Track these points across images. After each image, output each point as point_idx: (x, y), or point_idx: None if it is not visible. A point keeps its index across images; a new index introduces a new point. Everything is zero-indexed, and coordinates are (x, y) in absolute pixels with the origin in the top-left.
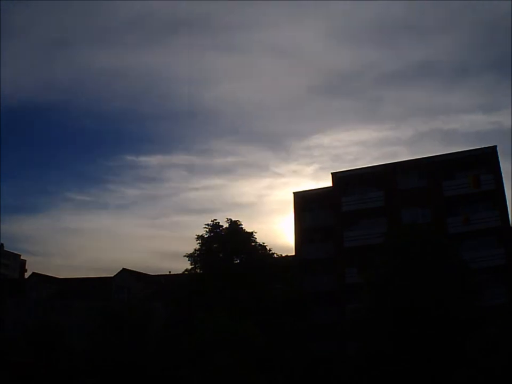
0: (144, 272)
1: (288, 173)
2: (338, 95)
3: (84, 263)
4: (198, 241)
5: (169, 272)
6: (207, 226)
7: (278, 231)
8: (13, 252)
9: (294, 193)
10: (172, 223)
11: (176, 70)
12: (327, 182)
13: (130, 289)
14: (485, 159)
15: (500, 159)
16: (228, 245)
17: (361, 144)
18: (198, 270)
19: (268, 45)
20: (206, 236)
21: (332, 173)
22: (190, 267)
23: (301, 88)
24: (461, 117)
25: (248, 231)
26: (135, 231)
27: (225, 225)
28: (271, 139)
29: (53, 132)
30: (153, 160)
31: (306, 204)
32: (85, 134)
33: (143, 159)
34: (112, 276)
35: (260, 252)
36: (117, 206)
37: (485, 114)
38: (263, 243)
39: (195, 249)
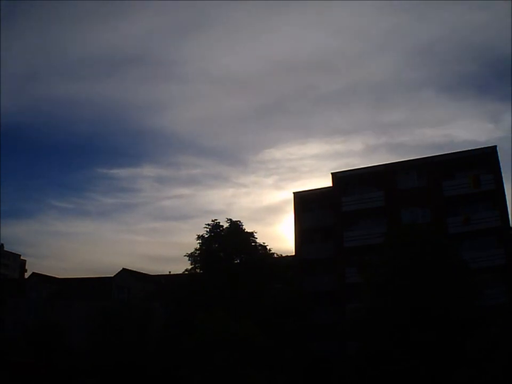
0: (143, 272)
1: (250, 183)
2: (281, 114)
3: (73, 265)
4: (198, 241)
5: (169, 272)
6: (207, 226)
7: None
8: (12, 252)
9: (294, 193)
10: (150, 229)
11: (131, 98)
12: (290, 191)
13: (130, 289)
14: (485, 159)
15: None
16: (228, 245)
17: (314, 157)
18: (198, 270)
19: (209, 73)
20: (206, 236)
21: (331, 173)
22: (190, 267)
23: (245, 109)
24: (410, 131)
25: (248, 231)
26: (117, 236)
27: (226, 225)
28: (227, 154)
29: (30, 149)
30: (124, 172)
31: (306, 204)
32: (59, 151)
33: (115, 171)
34: (112, 275)
35: (260, 251)
36: (98, 213)
37: (432, 128)
38: (263, 243)
39: (195, 249)
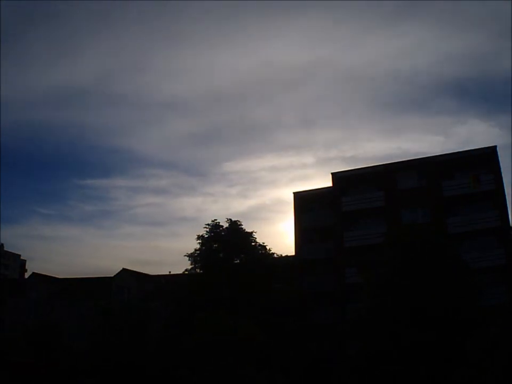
0: (143, 272)
1: (216, 193)
2: (229, 134)
3: (61, 268)
4: (198, 241)
5: (169, 272)
6: (207, 226)
7: None
8: (12, 252)
9: (294, 193)
10: (128, 234)
11: (93, 123)
12: (255, 200)
13: (130, 289)
14: (485, 159)
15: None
16: (228, 245)
17: (272, 169)
18: (198, 270)
19: (160, 100)
20: (206, 236)
21: (332, 173)
22: (190, 267)
23: (197, 130)
24: (359, 144)
25: (248, 231)
26: (99, 240)
27: (225, 225)
28: (189, 168)
29: (13, 163)
30: (97, 182)
31: (306, 204)
32: (36, 165)
33: (89, 181)
34: (112, 275)
35: (260, 251)
36: (79, 219)
37: (381, 142)
38: (263, 243)
39: (195, 249)
